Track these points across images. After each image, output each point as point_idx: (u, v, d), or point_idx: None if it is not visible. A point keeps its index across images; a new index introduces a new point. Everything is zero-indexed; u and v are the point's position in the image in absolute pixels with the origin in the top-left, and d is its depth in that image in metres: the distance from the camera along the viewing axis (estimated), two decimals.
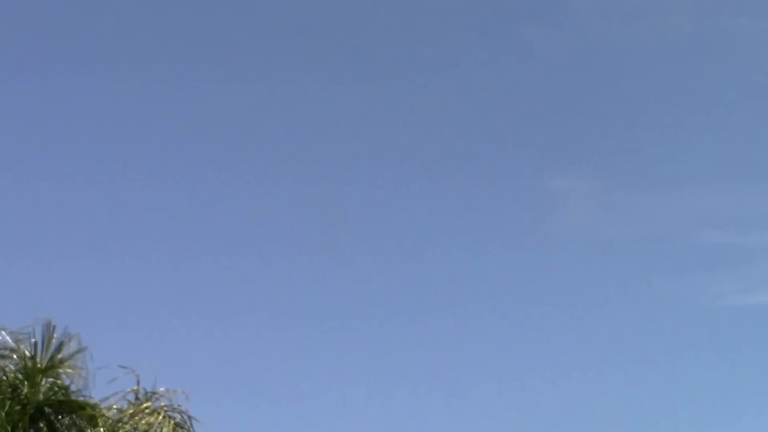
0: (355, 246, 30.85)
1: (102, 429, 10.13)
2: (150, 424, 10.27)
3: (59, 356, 10.53)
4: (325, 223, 32.14)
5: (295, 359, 28.98)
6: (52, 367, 10.45)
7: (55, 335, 10.58)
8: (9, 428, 9.52)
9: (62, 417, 10.37)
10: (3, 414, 9.58)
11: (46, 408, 10.27)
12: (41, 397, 10.27)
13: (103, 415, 10.31)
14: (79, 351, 10.67)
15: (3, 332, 10.47)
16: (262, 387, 26.01)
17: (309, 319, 28.55)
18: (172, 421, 10.34)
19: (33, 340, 10.51)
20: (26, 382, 10.20)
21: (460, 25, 35.70)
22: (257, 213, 32.81)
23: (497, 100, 34.31)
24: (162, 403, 10.46)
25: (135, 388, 10.51)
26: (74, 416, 10.41)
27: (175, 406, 10.55)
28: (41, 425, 10.21)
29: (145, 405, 10.38)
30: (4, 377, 10.15)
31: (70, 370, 10.57)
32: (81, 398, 10.49)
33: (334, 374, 27.32)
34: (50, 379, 10.46)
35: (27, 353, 10.40)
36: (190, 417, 10.58)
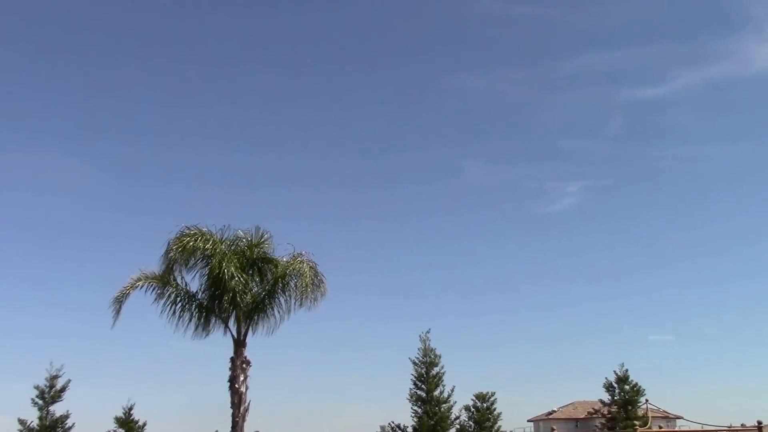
0: None
1: (279, 269, 22.26)
2: (300, 267, 22.09)
3: (268, 239, 22.87)
4: None
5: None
6: (258, 243, 22.78)
7: (260, 230, 23.01)
8: (241, 271, 21.88)
9: (263, 265, 22.71)
10: (238, 264, 22.01)
11: (257, 261, 22.67)
12: (255, 256, 22.66)
13: (283, 263, 22.40)
14: (269, 237, 22.95)
15: (240, 230, 22.91)
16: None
17: None
18: (308, 265, 22.12)
19: (251, 232, 22.96)
20: (248, 250, 22.65)
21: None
22: None
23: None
24: (304, 258, 22.34)
25: (293, 252, 22.49)
26: (269, 264, 22.69)
27: (311, 259, 22.39)
28: (255, 269, 22.63)
29: (298, 258, 22.30)
30: (239, 247, 22.59)
31: (267, 245, 22.92)
32: (271, 256, 22.78)
33: None
34: (258, 249, 22.78)
35: (248, 238, 22.81)
36: (315, 264, 22.37)
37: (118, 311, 21.66)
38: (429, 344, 44.04)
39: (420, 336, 44.35)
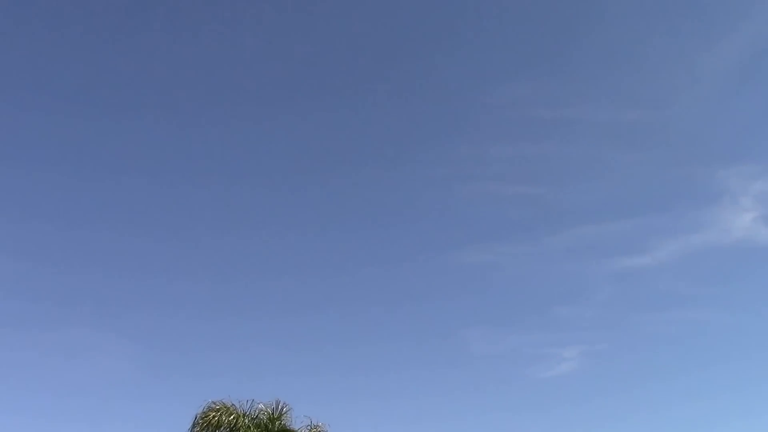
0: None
1: None
2: None
3: (287, 411, 24.44)
4: None
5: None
6: (279, 416, 24.34)
7: (280, 403, 24.61)
8: None
9: None
10: None
11: None
12: (276, 429, 24.11)
13: None
14: (289, 409, 24.51)
15: (261, 404, 24.55)
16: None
17: None
18: None
19: (272, 405, 24.55)
20: (270, 423, 24.17)
21: None
22: None
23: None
24: (320, 429, 23.77)
25: (310, 423, 23.98)
26: None
27: (326, 429, 23.82)
28: None
29: (314, 429, 23.76)
30: (261, 422, 24.17)
31: (286, 417, 24.40)
32: (290, 428, 24.24)
33: None
34: (279, 421, 24.29)
35: (269, 411, 24.42)
36: None
37: None
38: None
39: None
